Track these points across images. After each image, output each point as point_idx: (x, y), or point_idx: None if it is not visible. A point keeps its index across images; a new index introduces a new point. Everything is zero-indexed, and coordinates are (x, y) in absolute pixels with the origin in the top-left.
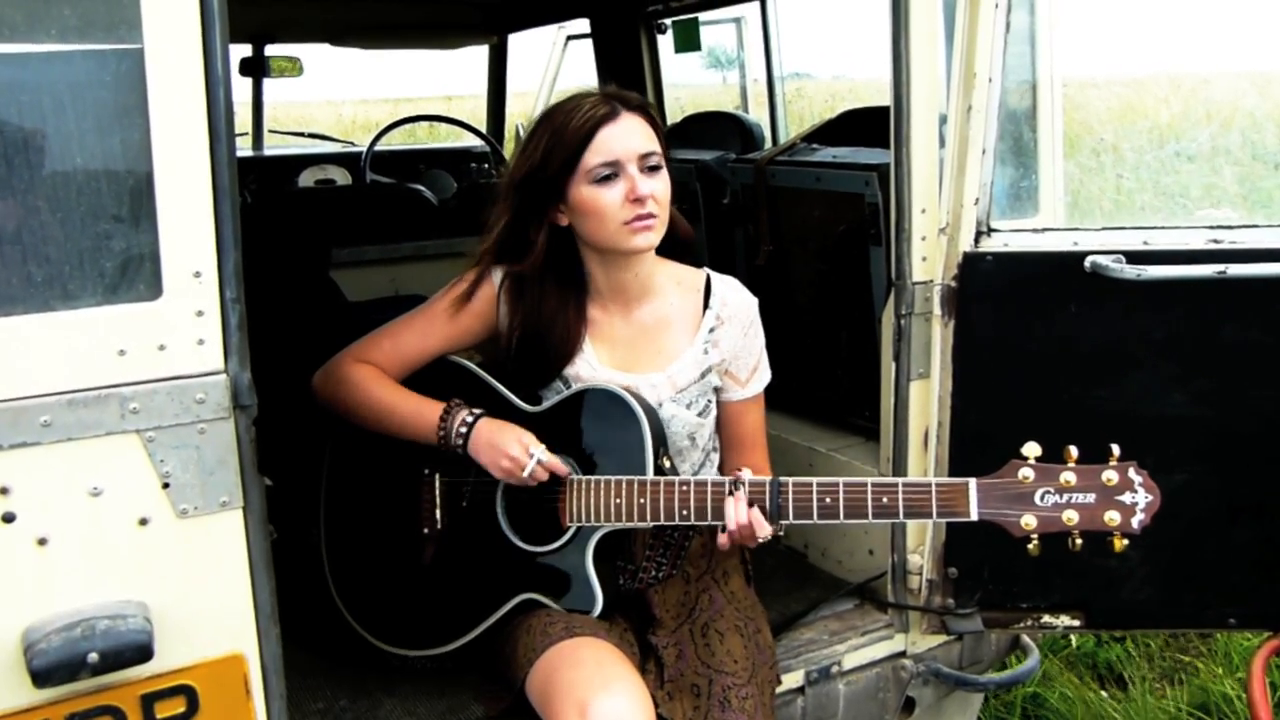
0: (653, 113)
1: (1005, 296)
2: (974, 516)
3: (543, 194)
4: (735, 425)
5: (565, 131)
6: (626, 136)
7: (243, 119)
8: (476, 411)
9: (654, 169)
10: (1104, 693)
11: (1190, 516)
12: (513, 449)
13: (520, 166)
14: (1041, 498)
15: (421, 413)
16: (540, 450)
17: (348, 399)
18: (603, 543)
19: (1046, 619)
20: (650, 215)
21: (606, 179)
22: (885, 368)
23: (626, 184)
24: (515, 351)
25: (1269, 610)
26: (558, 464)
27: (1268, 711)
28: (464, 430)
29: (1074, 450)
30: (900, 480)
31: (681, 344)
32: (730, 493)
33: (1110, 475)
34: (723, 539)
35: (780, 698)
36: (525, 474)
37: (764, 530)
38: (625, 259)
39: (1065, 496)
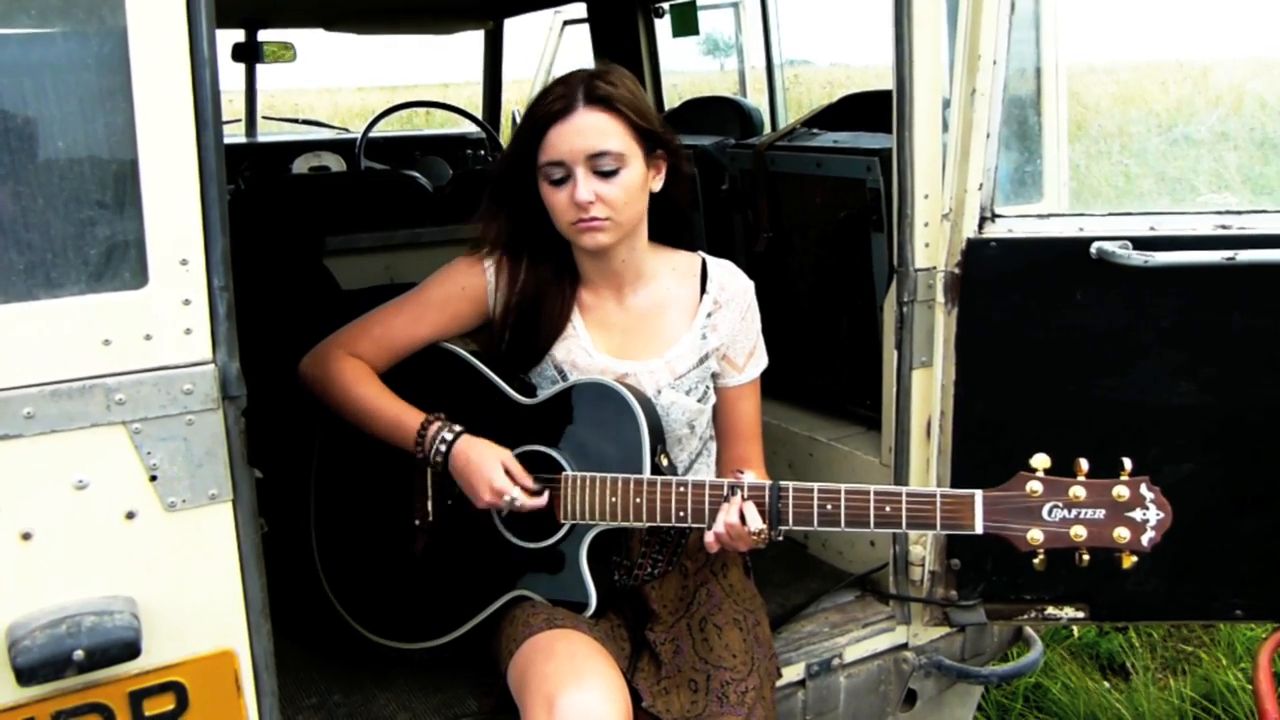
0: (621, 104)
1: (1009, 283)
2: (979, 530)
3: (519, 181)
4: (730, 413)
5: (528, 124)
6: (574, 136)
7: (236, 106)
8: (455, 429)
9: (607, 172)
10: (1106, 683)
11: (1197, 507)
12: (484, 496)
13: (504, 152)
14: (1049, 512)
15: (401, 423)
16: (516, 492)
17: (330, 394)
18: (598, 539)
19: (1050, 611)
20: (593, 219)
21: (556, 178)
22: (887, 356)
23: (571, 186)
24: (508, 330)
25: (1276, 601)
26: (536, 504)
27: (1274, 703)
28: (443, 449)
29: (1084, 463)
30: (904, 490)
31: (679, 329)
32: (727, 498)
33: (1121, 491)
34: (710, 539)
35: (781, 691)
36: (503, 511)
37: (755, 524)
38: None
39: (1074, 512)
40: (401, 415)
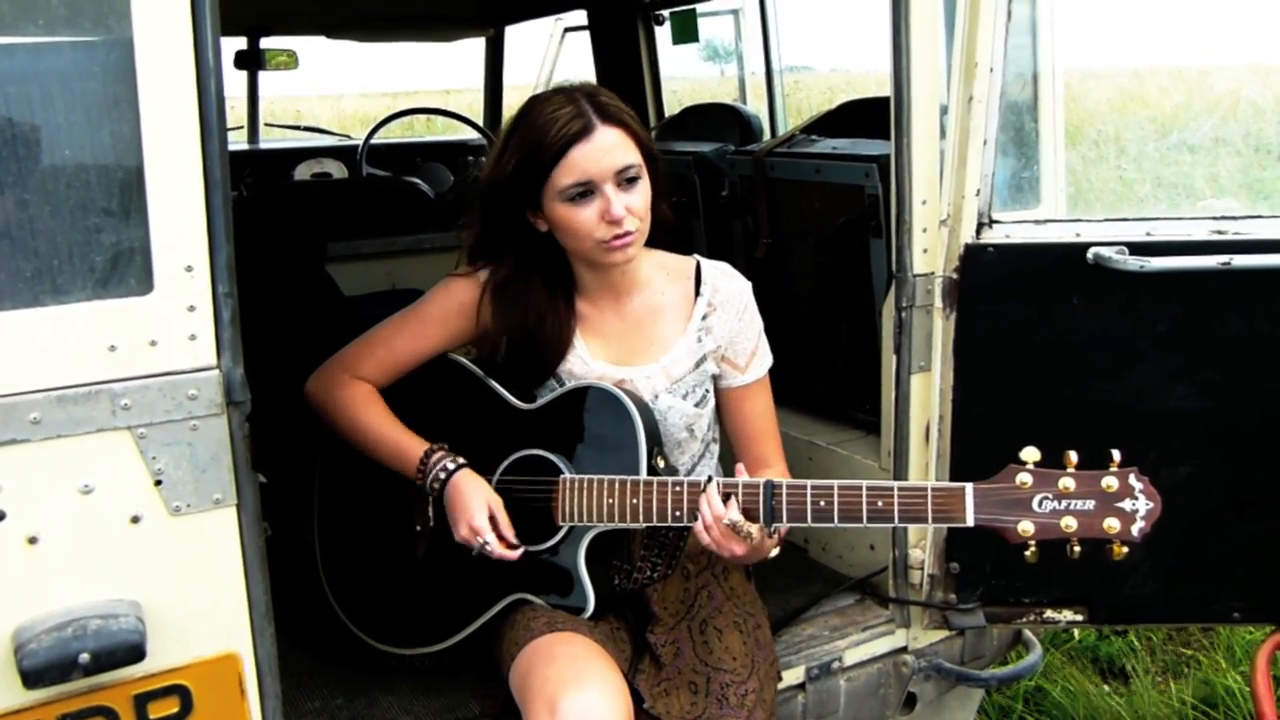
0: (629, 119)
1: (1007, 288)
2: (970, 522)
3: (516, 204)
4: (738, 414)
5: (537, 146)
6: (601, 154)
7: (239, 113)
8: (457, 462)
9: (631, 181)
10: (1106, 686)
11: (1194, 510)
12: (461, 530)
13: (494, 173)
14: (1039, 504)
15: (405, 451)
16: (491, 538)
17: (336, 419)
18: (597, 542)
19: (1049, 614)
20: (628, 233)
21: (580, 197)
22: (886, 361)
23: (602, 203)
24: (506, 351)
25: (1273, 603)
26: (506, 554)
27: (1271, 705)
28: (442, 477)
29: (1074, 455)
30: (896, 484)
31: (674, 333)
32: (704, 489)
33: (1110, 481)
34: (699, 530)
35: (781, 694)
36: (473, 553)
37: (744, 527)
38: None
39: (1064, 503)
40: (406, 443)
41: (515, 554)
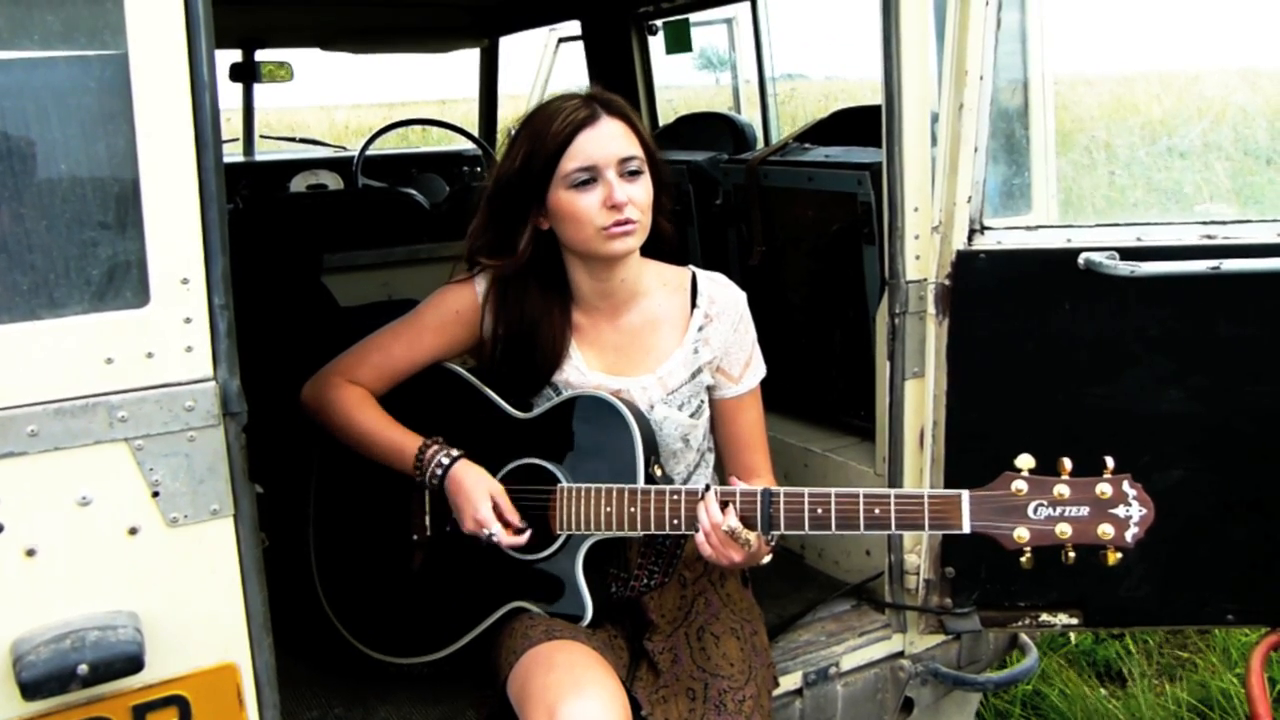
0: (634, 117)
1: (999, 294)
2: (966, 529)
3: (523, 196)
4: (731, 424)
5: (544, 135)
6: (605, 141)
7: (234, 125)
8: (453, 454)
9: (634, 174)
10: (1103, 690)
11: (1187, 513)
12: (467, 523)
13: (502, 168)
14: (1034, 511)
15: (401, 447)
16: (497, 528)
17: (332, 421)
18: (594, 550)
19: (1044, 618)
20: (629, 221)
21: (584, 184)
22: (880, 367)
23: (604, 190)
24: (501, 358)
25: (1266, 605)
26: (514, 541)
27: (1266, 707)
28: (439, 472)
29: (1068, 462)
30: (892, 492)
31: (670, 344)
32: (701, 497)
33: (1104, 488)
34: (700, 540)
35: (778, 700)
36: (483, 540)
37: (731, 520)
38: (609, 265)
39: (1058, 509)
40: (401, 440)
41: (523, 538)
